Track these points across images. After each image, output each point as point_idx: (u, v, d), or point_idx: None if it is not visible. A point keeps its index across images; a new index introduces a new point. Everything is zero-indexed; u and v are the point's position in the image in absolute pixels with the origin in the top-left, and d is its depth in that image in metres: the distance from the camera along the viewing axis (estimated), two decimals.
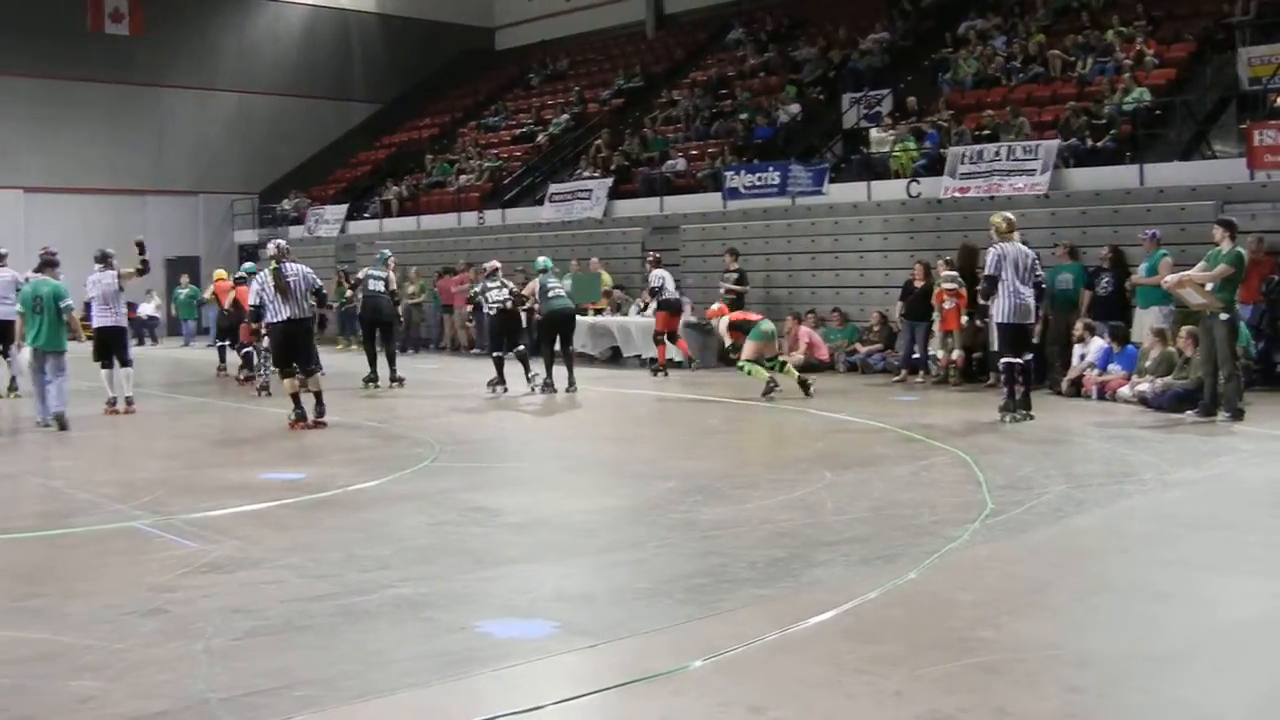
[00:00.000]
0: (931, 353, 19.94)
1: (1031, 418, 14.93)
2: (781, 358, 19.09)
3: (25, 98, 38.72)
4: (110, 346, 17.72)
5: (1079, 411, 16.20)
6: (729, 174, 26.31)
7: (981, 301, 16.92)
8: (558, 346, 19.87)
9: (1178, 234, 18.68)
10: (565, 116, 36.55)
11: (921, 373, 20.13)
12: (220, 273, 24.91)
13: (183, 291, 36.02)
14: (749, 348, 18.52)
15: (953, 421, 15.21)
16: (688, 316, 22.70)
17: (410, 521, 9.69)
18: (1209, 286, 14.61)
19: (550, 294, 19.78)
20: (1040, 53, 25.51)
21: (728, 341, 19.20)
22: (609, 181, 29.63)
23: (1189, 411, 14.98)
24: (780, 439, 14.86)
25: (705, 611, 7.00)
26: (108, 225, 38.44)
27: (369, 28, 46.56)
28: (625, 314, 25.49)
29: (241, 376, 22.35)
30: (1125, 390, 16.58)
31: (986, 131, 22.97)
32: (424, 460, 12.77)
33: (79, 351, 17.65)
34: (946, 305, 19.21)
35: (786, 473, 11.74)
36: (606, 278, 26.53)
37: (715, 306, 19.99)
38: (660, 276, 23.22)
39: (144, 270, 18.09)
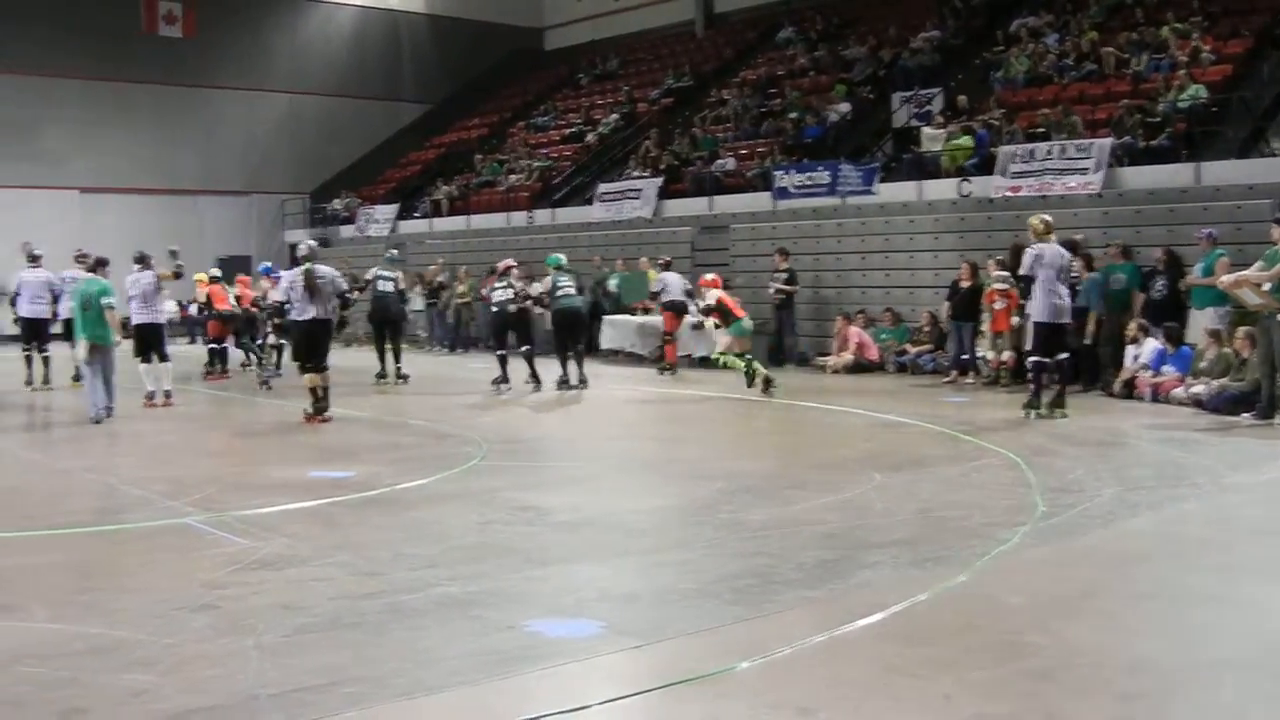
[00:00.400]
0: (981, 354, 19.81)
1: (1066, 416, 14.99)
2: (749, 356, 19.27)
3: (79, 100, 39.06)
4: (149, 342, 18.45)
5: (1132, 413, 16.03)
6: (779, 173, 26.26)
7: (1021, 300, 16.94)
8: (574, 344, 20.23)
9: (1234, 233, 18.43)
10: (614, 116, 36.58)
11: (972, 374, 20.00)
12: (200, 276, 25.09)
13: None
14: (724, 340, 18.93)
15: (1003, 423, 15.10)
16: (692, 318, 22.84)
17: (458, 520, 9.71)
18: (1266, 286, 14.43)
19: (559, 292, 20.03)
20: (1093, 50, 25.31)
21: (707, 321, 19.81)
22: (658, 181, 29.64)
23: (1245, 414, 14.83)
24: (829, 439, 14.79)
25: (752, 613, 6.97)
26: (160, 225, 38.68)
27: (419, 28, 46.73)
28: None
29: (206, 372, 23.42)
30: (1179, 392, 16.44)
31: (1039, 130, 22.82)
32: (472, 459, 12.79)
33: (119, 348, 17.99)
34: (997, 305, 19.06)
35: (835, 473, 11.69)
36: (654, 277, 26.47)
37: (710, 277, 20.17)
38: (662, 280, 23.62)
39: (178, 275, 18.92)
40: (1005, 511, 9.62)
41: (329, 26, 44.94)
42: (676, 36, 42.97)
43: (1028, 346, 16.53)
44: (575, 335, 20.31)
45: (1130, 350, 17.73)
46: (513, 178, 35.82)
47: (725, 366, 19.00)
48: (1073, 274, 15.18)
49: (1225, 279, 15.31)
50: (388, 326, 22.24)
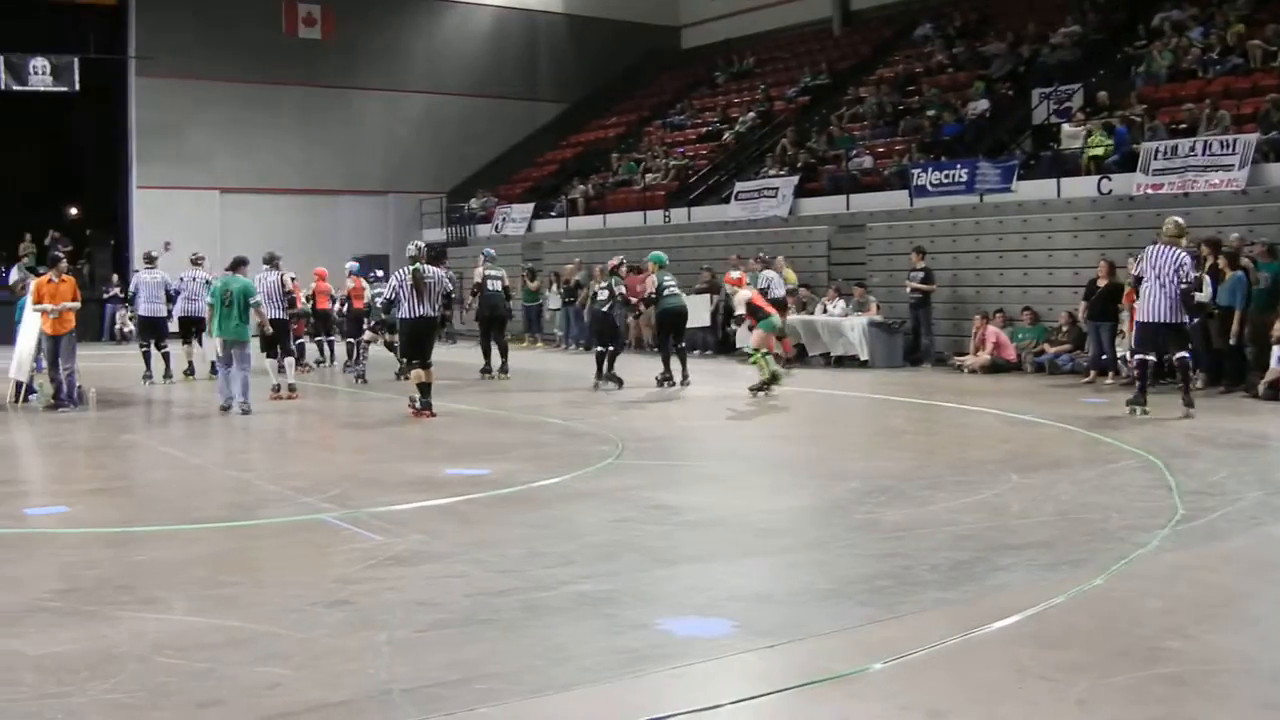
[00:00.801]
0: (1121, 354, 19.50)
1: (1146, 413, 15.15)
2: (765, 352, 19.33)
3: (223, 102, 39.81)
4: (275, 338, 19.26)
5: (1277, 416, 15.72)
6: (916, 171, 26.10)
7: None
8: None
9: None
10: (751, 114, 36.51)
11: (1111, 374, 19.69)
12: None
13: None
14: (758, 336, 19.05)
15: (1142, 424, 14.83)
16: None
17: (592, 518, 9.76)
18: None
19: (666, 292, 20.36)
20: (1239, 43, 24.81)
21: (739, 311, 19.91)
22: (795, 179, 29.56)
23: None
24: (964, 439, 14.64)
25: (886, 614, 6.93)
26: (298, 224, 39.59)
27: (556, 28, 46.97)
28: (810, 313, 25.37)
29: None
30: None
31: (1182, 126, 22.42)
32: (607, 458, 12.84)
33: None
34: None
35: (971, 474, 11.59)
36: (791, 276, 26.44)
37: (735, 275, 20.18)
38: (768, 278, 23.78)
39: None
40: (1143, 514, 9.46)
41: (466, 27, 45.30)
42: (813, 34, 42.81)
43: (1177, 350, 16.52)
44: (679, 333, 20.65)
45: (1275, 351, 17.31)
46: (649, 176, 35.92)
47: (756, 364, 19.03)
48: (1191, 275, 15.05)
49: None
50: (494, 324, 22.86)
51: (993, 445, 13.79)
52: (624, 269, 21.48)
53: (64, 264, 18.91)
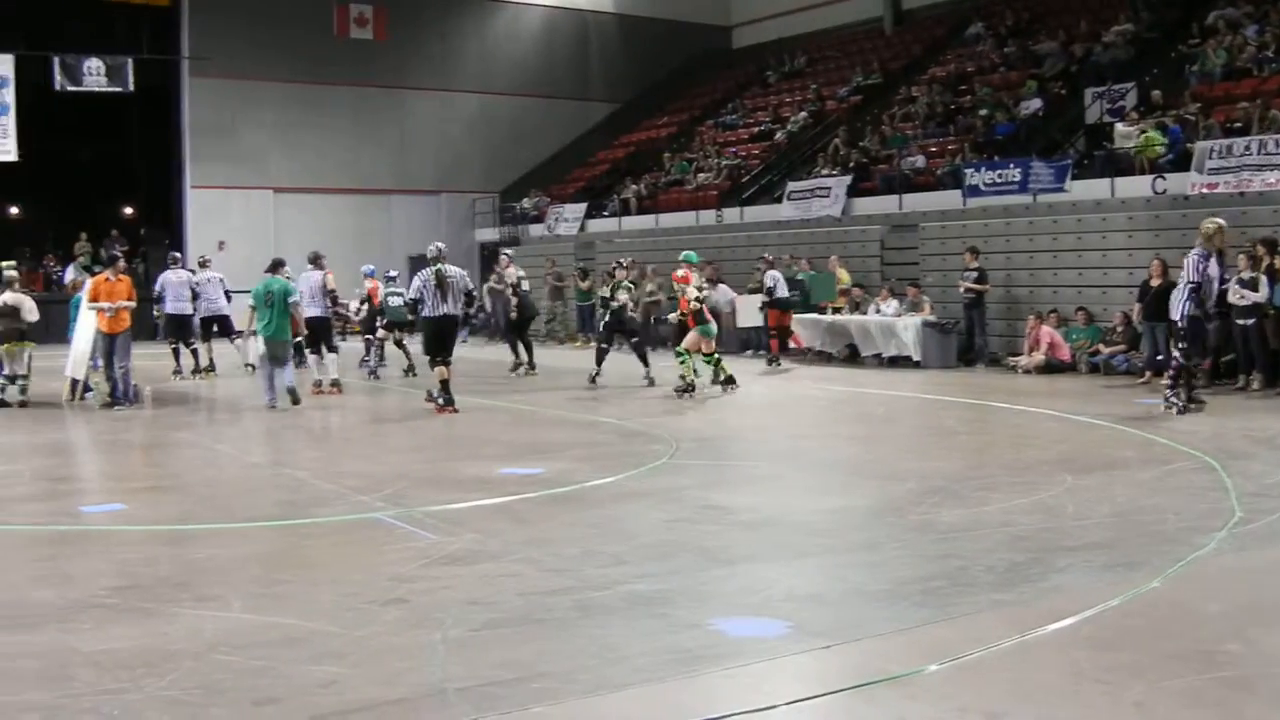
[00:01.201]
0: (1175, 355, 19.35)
1: (1182, 411, 15.40)
2: (718, 356, 19.78)
3: (276, 102, 40.02)
4: (318, 335, 20.01)
5: None
6: (969, 171, 25.97)
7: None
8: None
9: None
10: (803, 114, 36.43)
11: (1167, 375, 19.52)
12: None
13: None
14: (691, 338, 19.35)
15: (1198, 426, 14.69)
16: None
17: (646, 518, 9.78)
18: None
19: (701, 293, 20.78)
20: None
21: (677, 313, 20.56)
22: (847, 179, 29.48)
23: None
24: (1019, 440, 14.55)
25: (941, 615, 6.92)
26: (351, 224, 39.82)
27: (607, 27, 46.98)
28: (864, 313, 25.30)
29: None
30: None
31: (1238, 124, 22.24)
32: (660, 457, 12.86)
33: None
34: None
35: (1026, 475, 11.54)
36: (844, 276, 26.40)
37: (681, 273, 20.17)
38: (774, 277, 24.66)
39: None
40: (1201, 516, 9.40)
41: (517, 27, 45.35)
42: (865, 33, 42.66)
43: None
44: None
45: None
46: (701, 176, 35.88)
47: (683, 363, 19.27)
48: (1192, 276, 15.43)
49: None
50: (528, 323, 24.02)
51: (1047, 446, 13.70)
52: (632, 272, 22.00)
53: (121, 263, 19.12)
